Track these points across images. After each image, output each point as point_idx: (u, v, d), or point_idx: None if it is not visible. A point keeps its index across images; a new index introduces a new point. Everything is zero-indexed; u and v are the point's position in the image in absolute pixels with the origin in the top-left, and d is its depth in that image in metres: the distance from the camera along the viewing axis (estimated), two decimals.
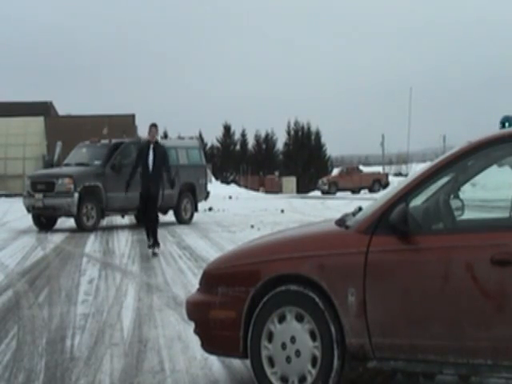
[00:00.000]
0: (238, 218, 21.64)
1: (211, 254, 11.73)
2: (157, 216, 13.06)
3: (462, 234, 4.35)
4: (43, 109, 47.86)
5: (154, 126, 12.83)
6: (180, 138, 24.32)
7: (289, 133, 68.97)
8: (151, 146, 12.64)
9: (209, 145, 66.86)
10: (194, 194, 20.06)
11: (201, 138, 52.31)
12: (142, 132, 42.35)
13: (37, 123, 43.09)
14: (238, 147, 69.42)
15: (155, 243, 12.54)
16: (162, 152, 12.71)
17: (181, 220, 19.41)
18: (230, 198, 37.34)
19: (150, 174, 12.54)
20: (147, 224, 12.85)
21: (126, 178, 13.23)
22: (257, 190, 52.22)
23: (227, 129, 69.28)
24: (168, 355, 5.89)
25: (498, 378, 4.24)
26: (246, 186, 52.86)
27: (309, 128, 68.84)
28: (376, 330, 4.33)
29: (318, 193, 48.25)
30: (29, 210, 18.24)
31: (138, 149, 13.53)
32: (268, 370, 4.60)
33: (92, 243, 14.88)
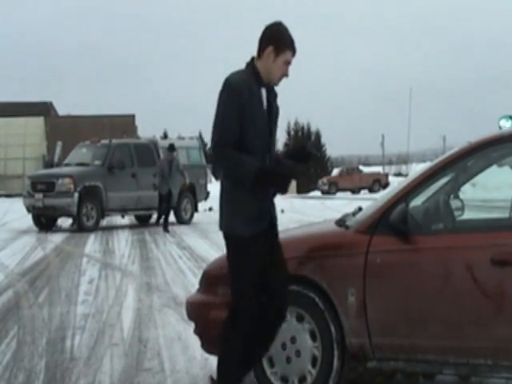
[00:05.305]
0: None
1: (211, 254, 11.71)
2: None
3: (461, 234, 4.35)
4: (43, 109, 47.88)
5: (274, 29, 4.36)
6: (180, 138, 24.34)
7: (289, 133, 68.97)
8: (263, 92, 4.31)
9: (209, 145, 66.88)
10: (193, 194, 20.07)
11: (201, 138, 52.20)
12: (142, 132, 42.43)
13: (37, 123, 43.08)
14: None
15: None
16: (278, 109, 4.44)
17: (181, 220, 19.41)
18: None
19: (270, 150, 4.37)
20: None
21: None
22: None
23: None
24: (168, 355, 5.88)
25: (498, 378, 4.24)
26: None
27: (309, 128, 68.86)
28: (376, 330, 4.33)
29: (318, 193, 48.22)
30: (29, 210, 18.26)
31: (234, 98, 4.18)
32: (268, 370, 4.60)
33: (92, 243, 14.88)
